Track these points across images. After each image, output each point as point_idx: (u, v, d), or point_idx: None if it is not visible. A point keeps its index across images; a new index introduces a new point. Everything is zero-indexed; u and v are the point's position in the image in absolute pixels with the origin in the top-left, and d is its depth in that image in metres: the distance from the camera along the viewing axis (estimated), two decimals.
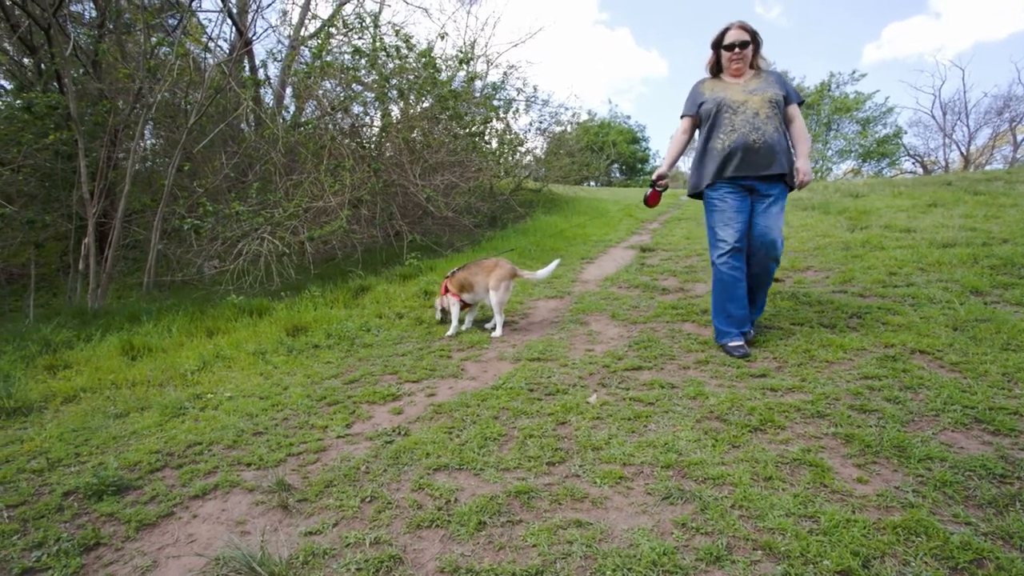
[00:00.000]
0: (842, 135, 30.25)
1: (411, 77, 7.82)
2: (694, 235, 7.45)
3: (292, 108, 8.74)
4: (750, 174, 3.10)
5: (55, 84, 7.55)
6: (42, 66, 7.85)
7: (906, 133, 29.91)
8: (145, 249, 7.50)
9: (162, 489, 2.14)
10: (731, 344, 3.14)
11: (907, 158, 30.34)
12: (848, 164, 30.78)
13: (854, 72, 31.43)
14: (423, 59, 7.88)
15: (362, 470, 2.15)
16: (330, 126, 7.57)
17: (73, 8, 8.50)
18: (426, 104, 8.25)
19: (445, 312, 4.26)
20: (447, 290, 4.10)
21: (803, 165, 3.12)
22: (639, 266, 5.93)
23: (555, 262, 4.14)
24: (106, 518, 1.98)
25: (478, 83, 10.35)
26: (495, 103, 10.40)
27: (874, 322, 3.39)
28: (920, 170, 29.08)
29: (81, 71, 7.77)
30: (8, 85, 9.13)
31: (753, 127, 3.07)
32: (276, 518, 1.90)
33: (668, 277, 5.28)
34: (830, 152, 30.48)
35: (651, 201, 3.49)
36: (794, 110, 3.20)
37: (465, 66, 9.43)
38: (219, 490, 2.12)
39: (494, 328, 3.99)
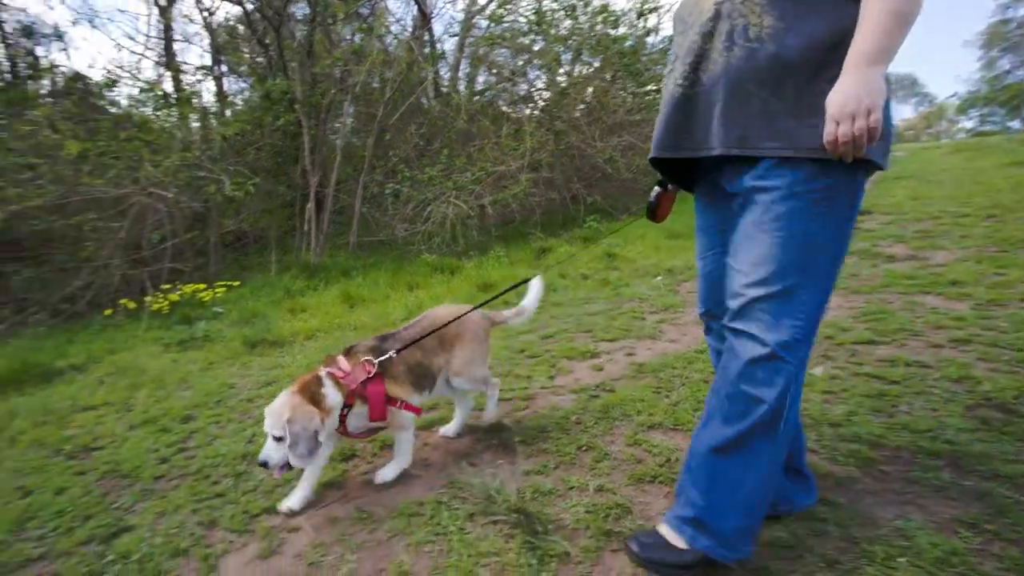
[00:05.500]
0: None
1: (585, 36, 7.62)
2: (921, 195, 6.23)
3: (467, 79, 9.14)
4: (683, 156, 1.34)
5: (282, 74, 8.86)
6: (272, 60, 9.26)
7: None
8: (349, 213, 8.59)
9: None
10: (627, 545, 1.42)
11: None
12: None
13: None
14: (600, 16, 7.61)
15: (573, 420, 2.19)
16: (507, 92, 7.77)
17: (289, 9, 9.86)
18: (597, 64, 8.00)
19: None
20: None
21: (833, 106, 1.07)
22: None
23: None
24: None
25: (652, 39, 9.74)
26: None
27: None
28: None
29: (297, 61, 9.01)
30: (246, 82, 10.98)
31: (693, 55, 1.28)
32: (498, 455, 2.02)
33: (893, 243, 4.49)
34: None
35: (658, 213, 1.63)
36: None
37: (643, 19, 8.92)
38: (442, 425, 2.32)
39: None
